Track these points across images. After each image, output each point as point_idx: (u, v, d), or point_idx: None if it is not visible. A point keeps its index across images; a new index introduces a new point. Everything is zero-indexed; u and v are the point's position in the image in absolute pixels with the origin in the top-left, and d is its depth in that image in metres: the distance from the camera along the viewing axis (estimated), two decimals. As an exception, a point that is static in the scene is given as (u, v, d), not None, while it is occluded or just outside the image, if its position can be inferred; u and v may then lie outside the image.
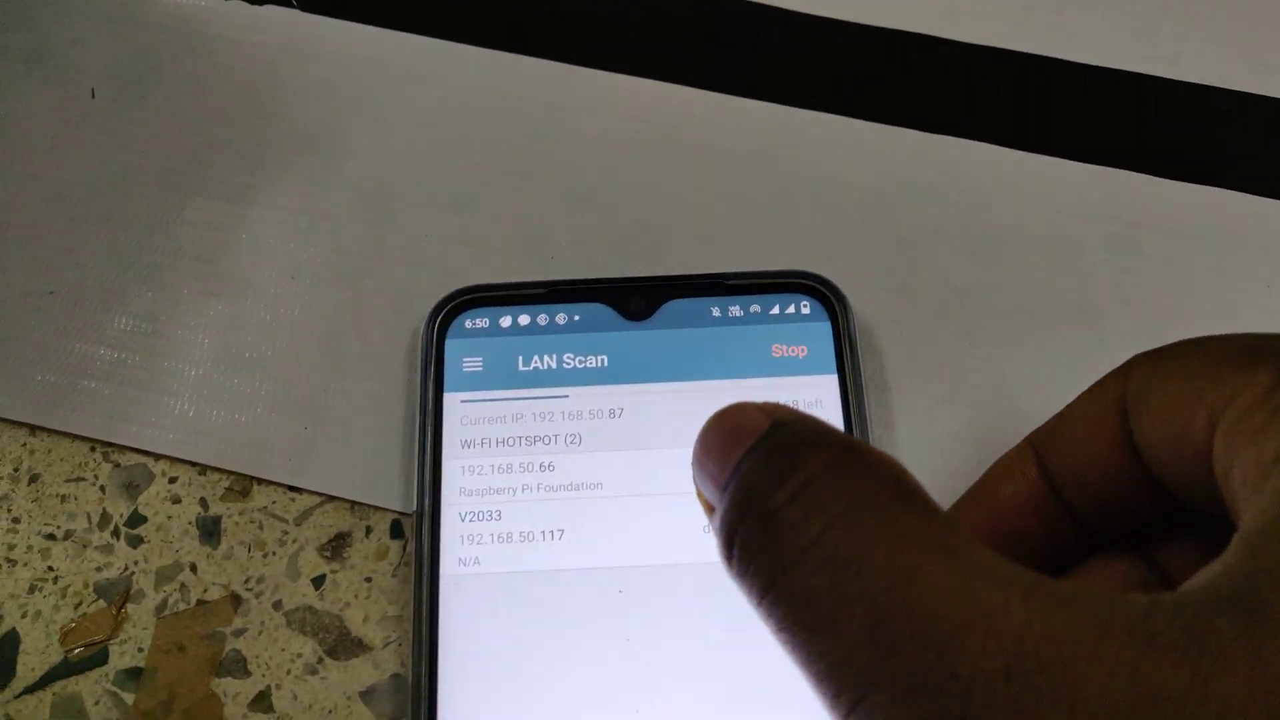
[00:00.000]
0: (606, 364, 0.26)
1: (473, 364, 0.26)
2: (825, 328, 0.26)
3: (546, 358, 0.26)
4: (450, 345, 0.26)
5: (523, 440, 0.26)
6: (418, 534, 0.25)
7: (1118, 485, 0.19)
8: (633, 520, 0.25)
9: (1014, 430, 0.27)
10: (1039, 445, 0.20)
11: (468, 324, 0.27)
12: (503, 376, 0.26)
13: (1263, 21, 0.32)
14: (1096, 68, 0.32)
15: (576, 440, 0.25)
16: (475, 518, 0.25)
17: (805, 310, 0.27)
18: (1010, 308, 0.28)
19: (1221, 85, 0.31)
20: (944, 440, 0.27)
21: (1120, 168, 0.30)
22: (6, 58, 0.32)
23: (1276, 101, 0.31)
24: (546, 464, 0.25)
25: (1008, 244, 0.29)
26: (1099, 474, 0.19)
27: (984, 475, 0.21)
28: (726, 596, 0.23)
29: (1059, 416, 0.20)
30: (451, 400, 0.26)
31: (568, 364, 0.26)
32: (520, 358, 0.26)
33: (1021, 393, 0.27)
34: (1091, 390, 0.20)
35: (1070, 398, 0.28)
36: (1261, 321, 0.28)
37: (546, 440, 0.25)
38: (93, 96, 0.31)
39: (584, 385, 0.26)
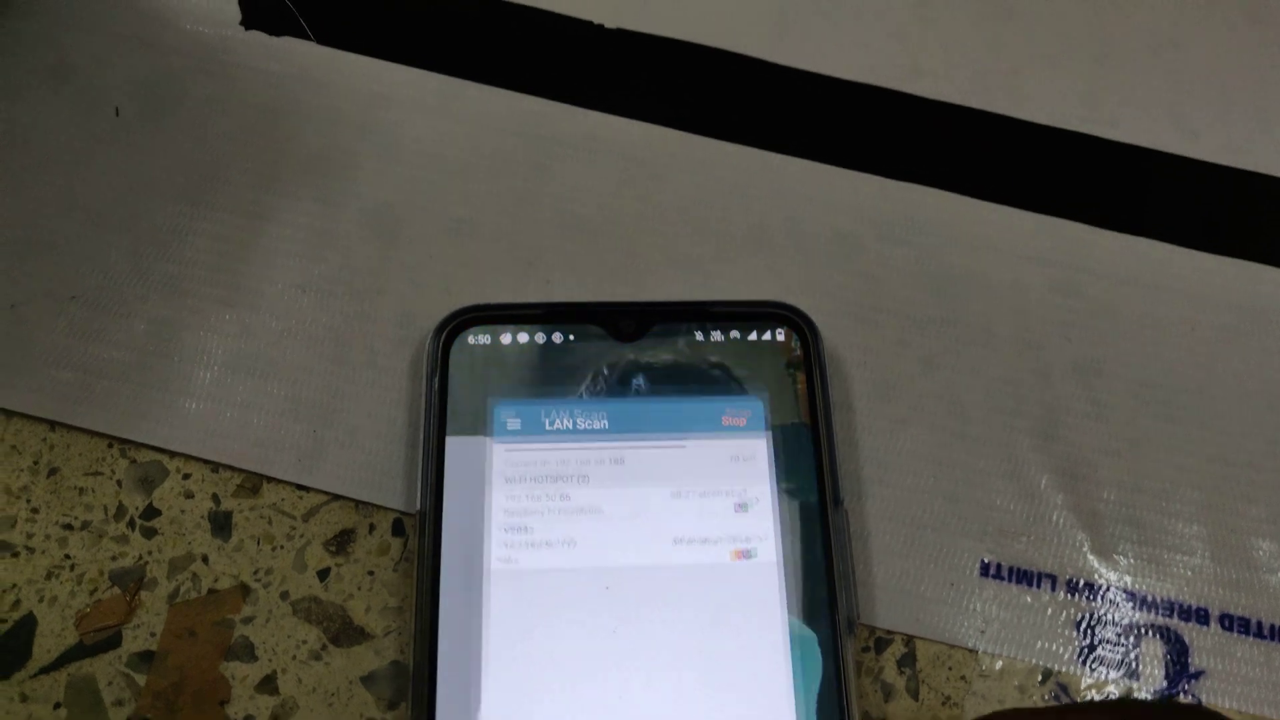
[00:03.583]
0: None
1: (474, 376, 0.28)
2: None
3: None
4: (454, 359, 0.29)
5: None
6: (420, 531, 0.27)
7: None
8: (616, 531, 0.27)
9: (965, 450, 0.30)
10: None
11: (470, 340, 0.29)
12: (502, 388, 0.28)
13: (1192, 93, 0.36)
14: (1045, 127, 0.35)
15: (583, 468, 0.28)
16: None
17: (780, 338, 0.29)
18: (964, 339, 0.31)
19: (1155, 147, 0.35)
20: (902, 458, 0.29)
21: (1064, 218, 0.33)
22: (35, 75, 0.33)
23: (1200, 164, 0.35)
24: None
25: (963, 282, 0.32)
26: None
27: None
28: (695, 595, 0.26)
29: None
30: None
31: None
32: (519, 372, 0.29)
33: (972, 416, 0.30)
34: None
35: (1016, 423, 0.30)
36: (1184, 358, 0.31)
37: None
38: (117, 114, 0.33)
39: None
